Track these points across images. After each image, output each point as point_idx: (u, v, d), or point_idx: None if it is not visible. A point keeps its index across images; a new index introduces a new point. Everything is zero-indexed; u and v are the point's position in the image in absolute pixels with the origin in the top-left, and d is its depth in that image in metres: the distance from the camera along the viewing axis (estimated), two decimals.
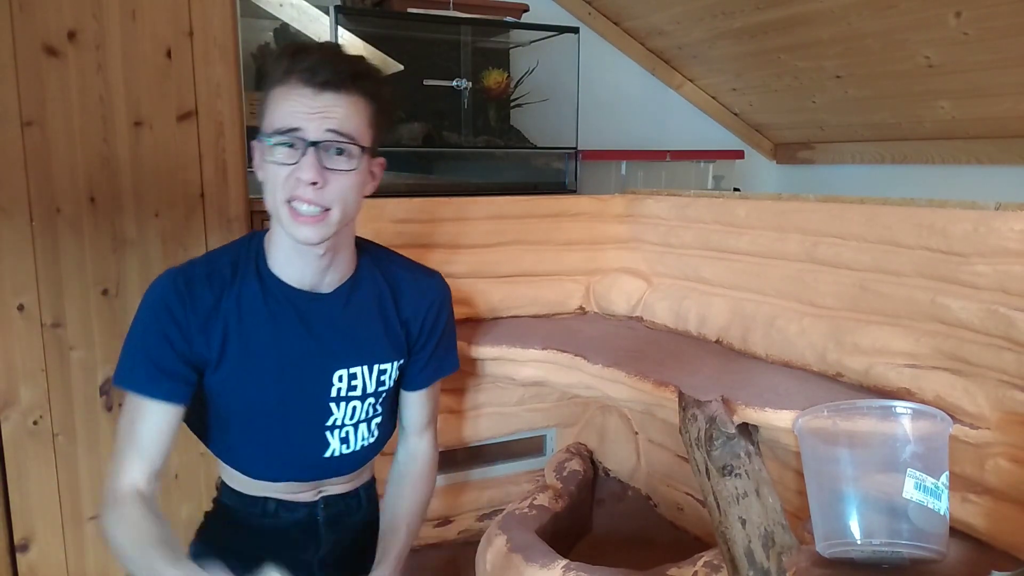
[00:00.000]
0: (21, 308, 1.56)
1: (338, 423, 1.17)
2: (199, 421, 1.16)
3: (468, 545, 1.64)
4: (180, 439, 1.12)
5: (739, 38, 2.43)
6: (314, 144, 1.00)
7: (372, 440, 1.23)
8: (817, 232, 1.32)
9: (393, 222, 1.54)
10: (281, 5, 2.06)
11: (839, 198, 1.29)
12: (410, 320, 1.23)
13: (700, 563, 1.19)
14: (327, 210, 1.03)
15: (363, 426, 1.21)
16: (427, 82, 2.07)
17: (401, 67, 2.07)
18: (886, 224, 1.19)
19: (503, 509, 1.56)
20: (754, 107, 2.86)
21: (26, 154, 1.53)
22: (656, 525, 1.71)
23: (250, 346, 1.10)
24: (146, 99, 1.61)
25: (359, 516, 1.29)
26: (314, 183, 1.00)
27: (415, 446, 1.33)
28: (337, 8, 1.95)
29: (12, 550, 1.61)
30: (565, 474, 1.68)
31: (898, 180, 2.61)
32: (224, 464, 1.19)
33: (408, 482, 1.31)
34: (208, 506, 1.25)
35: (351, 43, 2.00)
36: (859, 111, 2.49)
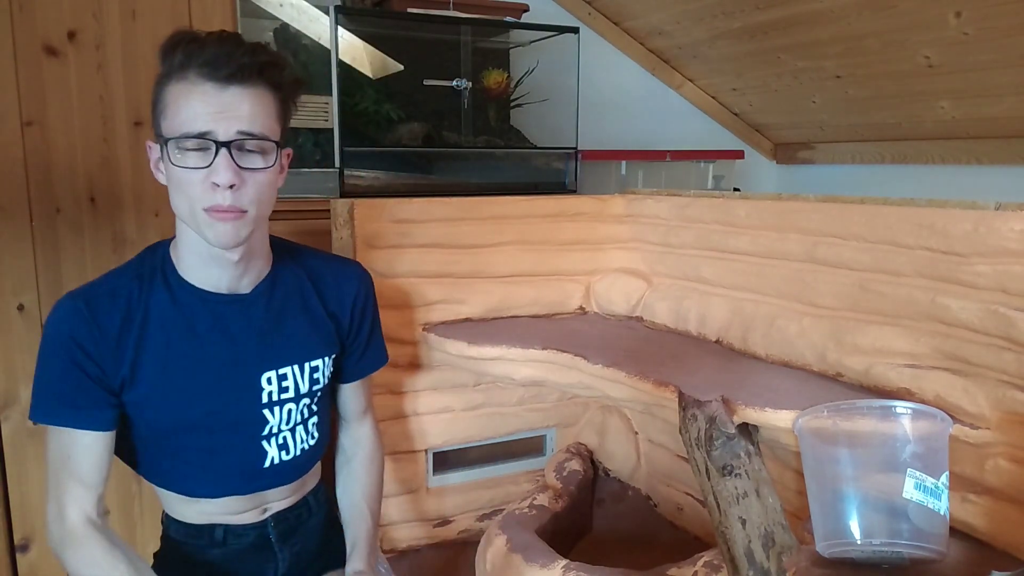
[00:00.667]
0: (21, 308, 1.56)
1: (274, 430, 1.13)
2: (124, 444, 1.10)
3: (468, 545, 1.64)
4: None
5: (739, 38, 2.43)
6: (226, 145, 0.94)
7: (312, 442, 1.19)
8: (817, 232, 1.32)
9: (393, 222, 1.54)
10: (281, 5, 2.06)
11: (839, 198, 1.29)
12: (338, 312, 1.20)
13: (700, 563, 1.19)
14: (244, 211, 0.98)
15: (300, 429, 1.16)
16: (427, 82, 2.07)
17: (401, 67, 2.07)
18: (886, 224, 1.19)
19: (503, 509, 1.56)
20: (754, 107, 2.86)
21: (26, 154, 1.53)
22: (656, 525, 1.71)
23: (167, 360, 1.05)
24: (146, 99, 1.60)
25: (313, 521, 1.24)
26: (232, 186, 0.95)
27: (357, 431, 1.32)
28: (337, 8, 1.95)
29: (12, 550, 1.61)
30: (565, 474, 1.68)
31: (898, 180, 2.61)
32: (160, 490, 1.14)
33: (360, 465, 1.29)
34: (156, 545, 1.20)
35: (351, 43, 2.00)
36: (859, 111, 2.49)
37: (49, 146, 1.54)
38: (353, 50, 2.01)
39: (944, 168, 2.44)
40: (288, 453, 1.15)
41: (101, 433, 1.03)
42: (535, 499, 1.54)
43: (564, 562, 1.27)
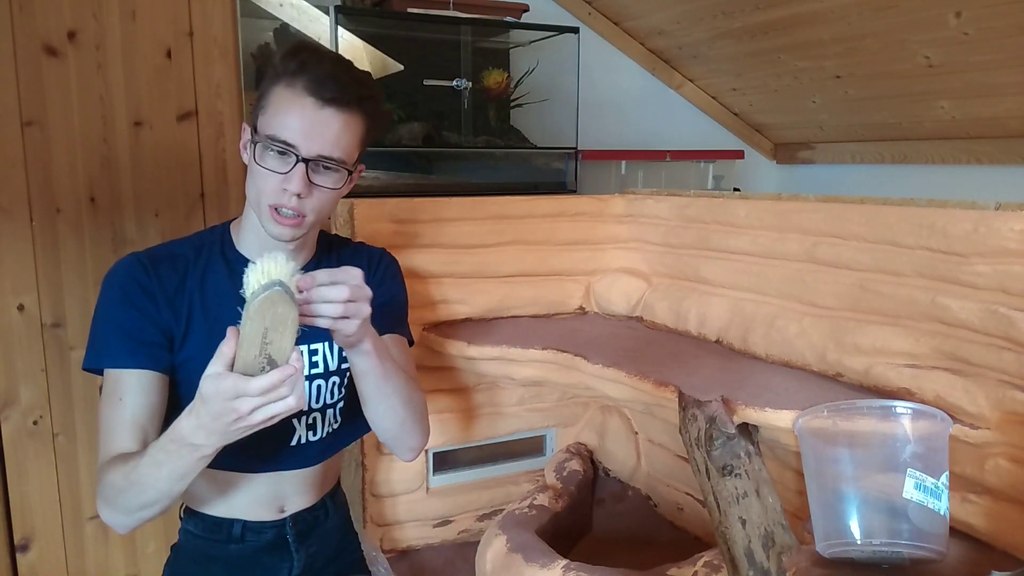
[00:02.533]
0: (21, 308, 1.56)
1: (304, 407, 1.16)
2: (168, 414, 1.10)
3: (468, 545, 1.64)
4: None
5: (739, 38, 2.43)
6: (305, 161, 1.02)
7: (336, 427, 1.22)
8: (817, 232, 1.32)
9: (393, 222, 1.54)
10: (281, 5, 2.06)
11: (839, 198, 1.29)
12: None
13: (700, 563, 1.19)
14: (303, 216, 1.06)
15: (329, 412, 1.20)
16: (427, 82, 2.07)
17: (401, 67, 2.07)
18: (886, 224, 1.19)
19: (503, 509, 1.56)
20: (754, 107, 2.86)
21: (26, 154, 1.53)
22: (656, 525, 1.71)
23: (215, 326, 1.08)
24: (146, 99, 1.61)
25: (330, 524, 1.26)
26: (298, 195, 1.03)
27: None
28: (337, 8, 1.95)
29: (12, 550, 1.61)
30: (565, 474, 1.68)
31: (898, 180, 2.61)
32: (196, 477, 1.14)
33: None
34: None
35: (351, 43, 2.00)
36: (859, 111, 2.49)
37: (49, 146, 1.54)
38: (353, 50, 2.01)
39: (944, 168, 2.44)
40: (315, 434, 1.18)
41: (154, 375, 1.05)
42: (535, 499, 1.54)
43: (564, 562, 1.27)
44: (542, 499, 1.55)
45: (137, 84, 1.60)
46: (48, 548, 1.64)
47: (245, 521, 1.17)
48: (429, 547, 1.67)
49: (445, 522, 1.69)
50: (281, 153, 1.02)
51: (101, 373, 1.07)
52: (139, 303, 1.06)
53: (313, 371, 1.17)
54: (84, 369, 1.07)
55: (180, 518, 1.22)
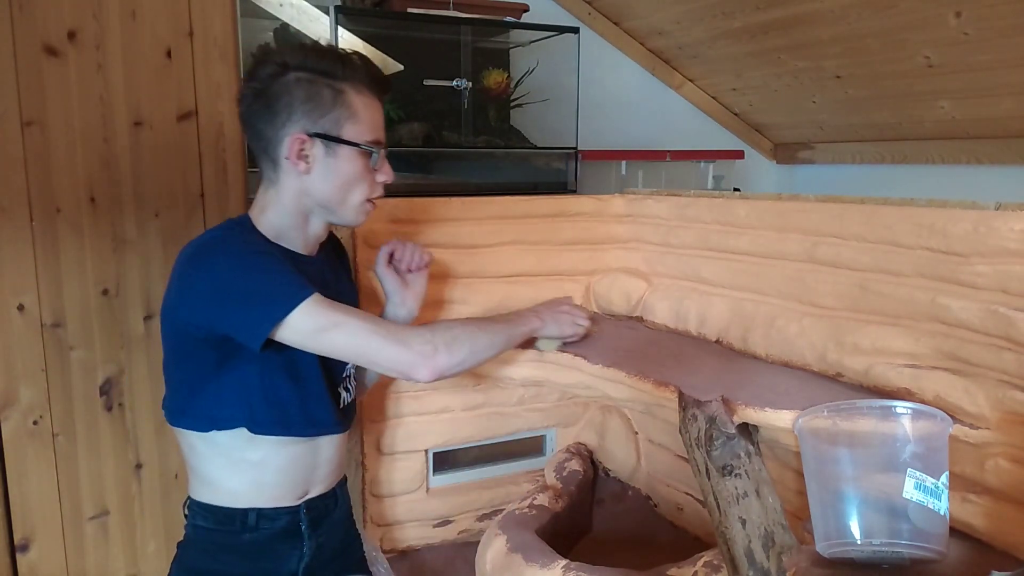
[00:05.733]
0: (21, 308, 1.56)
1: (344, 375, 1.29)
2: (242, 378, 1.14)
3: (468, 545, 1.64)
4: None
5: (739, 38, 2.43)
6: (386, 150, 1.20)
7: (353, 396, 1.34)
8: (817, 232, 1.32)
9: (392, 222, 1.54)
10: (281, 5, 2.06)
11: (839, 198, 1.29)
12: (344, 275, 1.38)
13: (700, 563, 1.19)
14: None
15: (349, 382, 1.31)
16: (427, 82, 2.07)
17: (401, 67, 2.07)
18: (886, 224, 1.19)
19: (503, 509, 1.56)
20: (754, 107, 2.87)
21: (26, 154, 1.53)
22: (656, 525, 1.71)
23: None
24: (146, 99, 1.62)
25: (338, 513, 1.31)
26: None
27: None
28: (337, 8, 1.96)
29: (12, 550, 1.61)
30: (565, 474, 1.67)
31: (898, 180, 2.61)
32: (219, 461, 1.17)
33: None
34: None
35: (351, 43, 2.00)
36: (859, 111, 2.50)
37: (49, 146, 1.54)
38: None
39: (944, 168, 2.44)
40: (349, 396, 1.31)
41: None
42: (535, 499, 1.54)
43: (564, 562, 1.27)
44: (542, 499, 1.55)
45: (137, 84, 1.60)
46: (48, 548, 1.64)
47: (260, 509, 1.19)
48: (429, 547, 1.67)
49: (445, 522, 1.69)
50: (369, 153, 1.17)
51: (278, 323, 1.06)
52: (266, 253, 1.13)
53: None
54: (282, 320, 1.05)
55: (185, 515, 1.23)
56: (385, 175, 1.20)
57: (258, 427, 1.15)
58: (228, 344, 1.09)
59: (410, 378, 1.13)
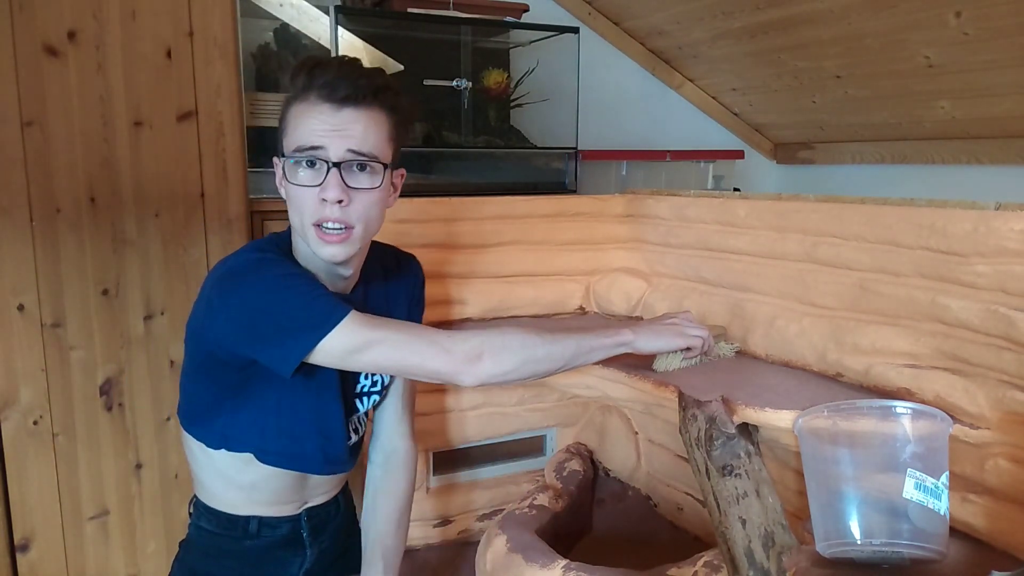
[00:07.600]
0: (21, 308, 1.56)
1: (359, 417, 1.24)
2: (254, 396, 1.10)
3: (468, 545, 1.64)
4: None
5: (739, 38, 2.43)
6: (337, 164, 1.00)
7: (362, 435, 1.28)
8: (817, 232, 1.32)
9: (393, 222, 1.54)
10: (281, 5, 2.06)
11: (839, 198, 1.29)
12: (401, 306, 1.27)
13: (700, 563, 1.19)
14: (350, 228, 1.03)
15: (364, 417, 1.27)
16: (427, 82, 2.07)
17: (401, 67, 2.08)
18: (886, 224, 1.19)
19: (503, 509, 1.56)
20: (754, 107, 2.87)
21: (26, 154, 1.53)
22: (656, 525, 1.71)
23: None
24: (146, 99, 1.62)
25: (339, 520, 1.30)
26: (340, 201, 1.00)
27: (395, 434, 1.34)
28: (337, 8, 1.96)
29: (12, 550, 1.61)
30: (565, 474, 1.67)
31: (898, 180, 2.61)
32: (213, 472, 1.15)
33: (399, 470, 1.32)
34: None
35: (351, 43, 2.00)
36: (859, 111, 2.50)
37: (49, 146, 1.55)
38: (353, 50, 2.01)
39: (944, 168, 2.44)
40: (357, 435, 1.25)
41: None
42: (535, 499, 1.54)
43: (564, 562, 1.26)
44: (542, 499, 1.54)
45: (137, 84, 1.60)
46: (48, 548, 1.64)
47: (261, 517, 1.18)
48: (429, 547, 1.67)
49: (445, 522, 1.69)
50: (311, 164, 1.00)
51: (310, 351, 0.98)
52: (299, 275, 1.05)
53: (372, 388, 1.24)
54: (323, 339, 0.98)
55: (189, 514, 1.23)
56: (326, 190, 1.00)
57: (267, 456, 1.12)
58: (252, 367, 1.05)
59: (456, 384, 1.06)
